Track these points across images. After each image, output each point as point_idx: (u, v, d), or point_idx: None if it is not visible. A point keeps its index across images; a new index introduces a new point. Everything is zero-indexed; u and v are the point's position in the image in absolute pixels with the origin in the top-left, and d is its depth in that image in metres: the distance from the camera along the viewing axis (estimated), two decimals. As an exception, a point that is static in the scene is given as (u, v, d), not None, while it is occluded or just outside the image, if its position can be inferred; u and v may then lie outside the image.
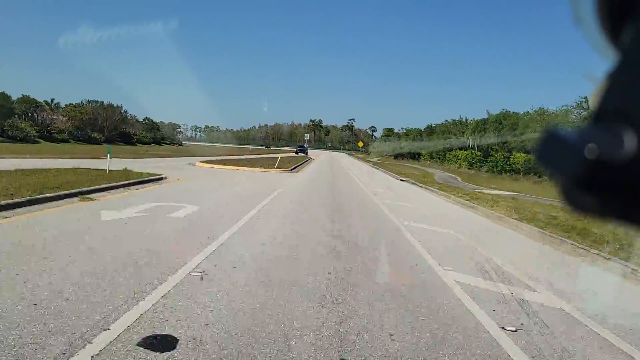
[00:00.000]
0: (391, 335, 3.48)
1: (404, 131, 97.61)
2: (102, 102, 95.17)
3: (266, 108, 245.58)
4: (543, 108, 45.33)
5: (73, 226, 6.30)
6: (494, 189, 20.90)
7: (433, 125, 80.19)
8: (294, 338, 3.26)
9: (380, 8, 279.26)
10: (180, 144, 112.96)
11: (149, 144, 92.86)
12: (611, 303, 5.17)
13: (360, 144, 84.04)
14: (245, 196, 11.65)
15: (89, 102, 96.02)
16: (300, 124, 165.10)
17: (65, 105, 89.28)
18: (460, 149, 58.72)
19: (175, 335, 3.12)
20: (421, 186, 20.25)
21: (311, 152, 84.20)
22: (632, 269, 6.20)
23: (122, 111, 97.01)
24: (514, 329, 3.85)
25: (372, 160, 61.15)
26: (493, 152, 49.18)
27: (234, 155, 37.95)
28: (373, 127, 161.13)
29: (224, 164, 22.56)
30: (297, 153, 60.05)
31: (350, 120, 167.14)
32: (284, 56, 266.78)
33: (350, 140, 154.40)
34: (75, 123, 77.58)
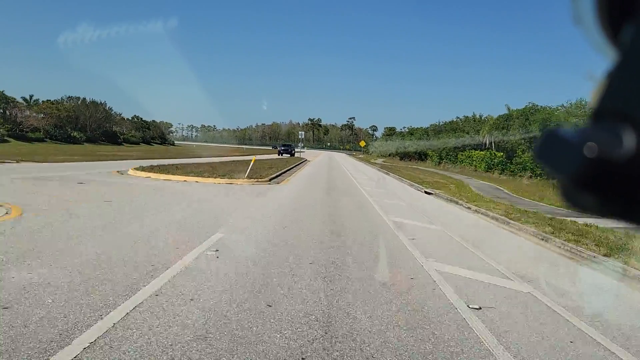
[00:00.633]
0: None
1: (407, 130, 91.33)
2: (84, 99, 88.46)
3: (265, 107, 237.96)
4: (582, 100, 37.98)
5: None
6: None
7: (440, 123, 73.28)
8: None
9: (380, 8, 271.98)
10: (172, 144, 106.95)
11: (137, 143, 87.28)
12: None
13: (363, 143, 76.48)
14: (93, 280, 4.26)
15: (69, 98, 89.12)
16: (299, 123, 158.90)
17: (42, 101, 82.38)
18: (474, 148, 51.73)
19: None
20: (469, 208, 12.83)
21: (309, 153, 76.67)
22: None
23: (106, 108, 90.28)
24: None
25: (376, 162, 53.58)
26: (519, 152, 41.68)
27: (214, 157, 30.60)
28: (374, 126, 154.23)
29: (168, 173, 15.12)
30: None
31: (350, 119, 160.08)
32: (283, 56, 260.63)
33: (350, 139, 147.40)
34: (52, 121, 71.08)
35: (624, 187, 0.34)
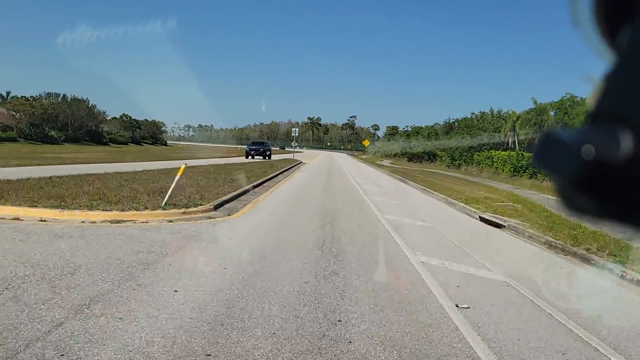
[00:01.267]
0: None
1: (411, 129, 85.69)
2: (64, 95, 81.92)
3: (264, 108, 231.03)
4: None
5: None
6: None
7: (451, 120, 67.01)
8: None
9: (380, 8, 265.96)
10: (165, 144, 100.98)
11: (125, 143, 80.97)
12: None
13: (367, 142, 69.97)
14: None
15: (48, 94, 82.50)
16: (298, 122, 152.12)
17: (16, 97, 75.81)
18: (493, 147, 45.10)
19: None
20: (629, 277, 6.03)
21: (308, 153, 69.76)
22: None
23: (89, 105, 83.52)
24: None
25: (383, 164, 46.58)
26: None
27: (190, 159, 23.80)
28: (375, 125, 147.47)
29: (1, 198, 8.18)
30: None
31: (351, 117, 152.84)
32: (283, 56, 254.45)
33: (351, 139, 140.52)
34: (26, 119, 64.46)
35: (621, 190, 0.33)
